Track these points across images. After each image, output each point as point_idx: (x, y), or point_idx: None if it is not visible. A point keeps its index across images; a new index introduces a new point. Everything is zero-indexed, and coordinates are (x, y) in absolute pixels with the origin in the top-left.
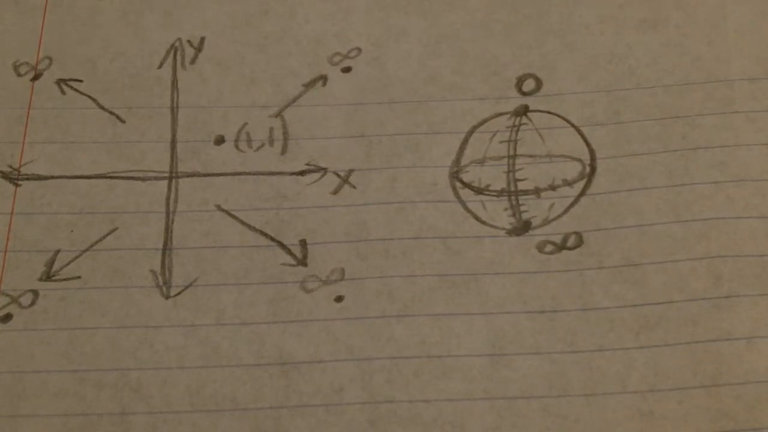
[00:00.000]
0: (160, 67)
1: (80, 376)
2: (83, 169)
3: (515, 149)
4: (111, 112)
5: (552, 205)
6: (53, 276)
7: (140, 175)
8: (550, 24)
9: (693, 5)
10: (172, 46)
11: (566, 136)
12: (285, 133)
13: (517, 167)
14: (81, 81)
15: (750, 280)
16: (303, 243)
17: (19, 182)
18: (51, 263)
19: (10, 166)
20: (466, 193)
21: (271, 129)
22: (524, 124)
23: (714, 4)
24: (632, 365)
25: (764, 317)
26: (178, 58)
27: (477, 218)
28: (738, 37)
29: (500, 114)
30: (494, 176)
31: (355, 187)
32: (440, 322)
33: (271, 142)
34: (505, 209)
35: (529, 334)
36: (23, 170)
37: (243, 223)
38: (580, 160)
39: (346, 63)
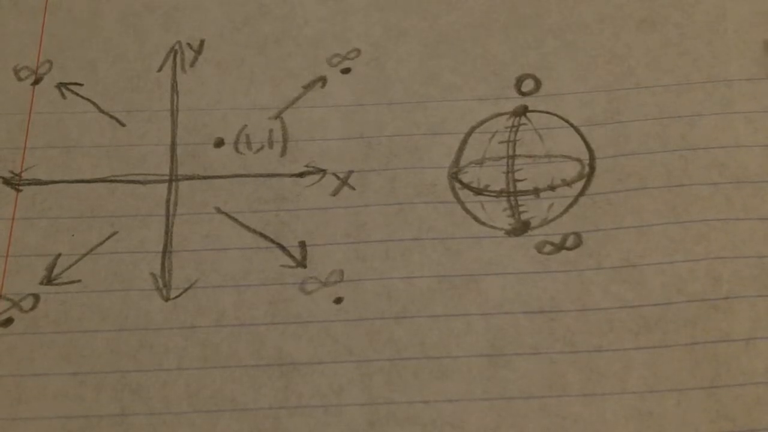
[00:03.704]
0: (159, 70)
1: (80, 378)
2: (84, 173)
3: (514, 149)
4: (111, 116)
5: (551, 206)
6: (54, 280)
7: (140, 178)
8: (549, 24)
9: (692, 5)
10: (172, 48)
11: (565, 136)
12: (284, 135)
13: (516, 167)
14: (81, 85)
15: (749, 282)
16: (302, 244)
17: (21, 187)
18: (52, 267)
19: (12, 172)
20: (465, 194)
21: (271, 131)
22: (523, 124)
23: (713, 4)
24: (631, 366)
25: (763, 318)
26: (178, 60)
27: (476, 219)
28: (737, 37)
29: (499, 114)
30: (493, 177)
31: (354, 189)
32: (439, 323)
33: (271, 144)
34: (504, 210)
35: (528, 334)
36: (24, 175)
37: (242, 225)
38: (579, 160)
39: (346, 64)
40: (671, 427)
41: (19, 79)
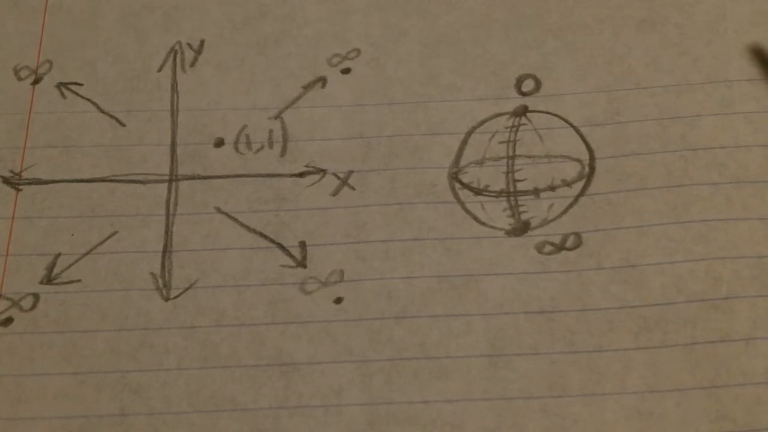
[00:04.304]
0: (159, 70)
1: (80, 378)
2: (84, 172)
3: (514, 150)
4: (111, 116)
5: (551, 206)
6: (54, 279)
7: (140, 178)
8: (550, 24)
9: (692, 5)
10: (172, 49)
11: (565, 136)
12: (284, 135)
13: (516, 168)
14: (81, 84)
15: (749, 282)
16: (302, 244)
17: (21, 187)
18: (52, 267)
19: (12, 171)
20: (465, 194)
21: (271, 131)
22: (523, 124)
23: (713, 4)
24: (631, 366)
25: (763, 318)
26: (178, 60)
27: (476, 219)
28: (737, 38)
29: (499, 114)
30: (493, 177)
31: (354, 189)
32: (439, 323)
33: (271, 144)
34: (504, 210)
35: (528, 334)
36: (24, 175)
37: (242, 225)
38: (579, 161)
39: (345, 64)
40: (671, 427)
41: (19, 79)
